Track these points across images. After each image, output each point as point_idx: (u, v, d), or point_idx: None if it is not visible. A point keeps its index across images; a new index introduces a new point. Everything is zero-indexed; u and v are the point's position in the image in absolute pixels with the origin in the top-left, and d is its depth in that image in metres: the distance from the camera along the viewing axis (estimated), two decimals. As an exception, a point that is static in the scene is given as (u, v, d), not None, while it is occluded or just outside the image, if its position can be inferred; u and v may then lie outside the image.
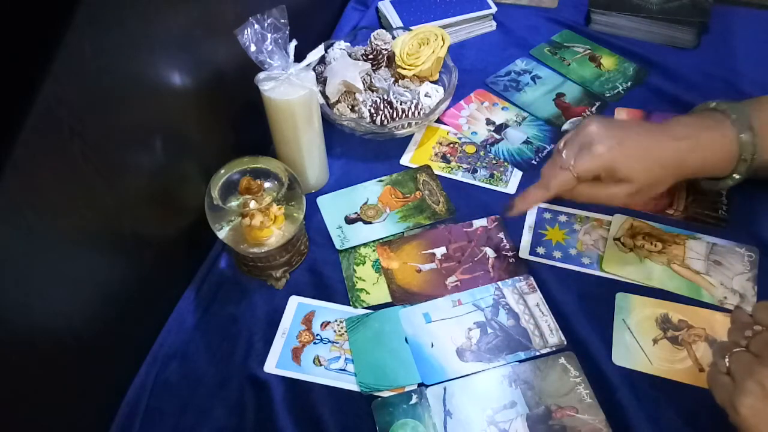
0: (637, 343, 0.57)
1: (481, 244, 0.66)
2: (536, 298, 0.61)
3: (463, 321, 0.60)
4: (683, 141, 0.57)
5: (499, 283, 0.63)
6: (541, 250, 0.66)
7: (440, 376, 0.56)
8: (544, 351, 0.57)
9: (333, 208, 0.71)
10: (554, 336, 0.58)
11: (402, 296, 0.63)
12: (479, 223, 0.68)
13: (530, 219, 0.69)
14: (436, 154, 0.77)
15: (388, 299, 0.62)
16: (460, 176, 0.74)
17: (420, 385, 0.56)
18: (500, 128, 0.80)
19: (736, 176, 0.60)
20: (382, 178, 0.74)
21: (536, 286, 0.62)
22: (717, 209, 0.67)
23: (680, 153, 0.57)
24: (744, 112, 0.58)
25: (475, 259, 0.65)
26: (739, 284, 0.61)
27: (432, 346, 0.58)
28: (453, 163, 0.76)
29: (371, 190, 0.73)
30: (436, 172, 0.74)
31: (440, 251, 0.66)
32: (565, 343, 0.58)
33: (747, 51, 0.87)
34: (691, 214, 0.67)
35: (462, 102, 0.83)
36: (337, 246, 0.67)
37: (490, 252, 0.66)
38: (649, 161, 0.57)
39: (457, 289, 0.63)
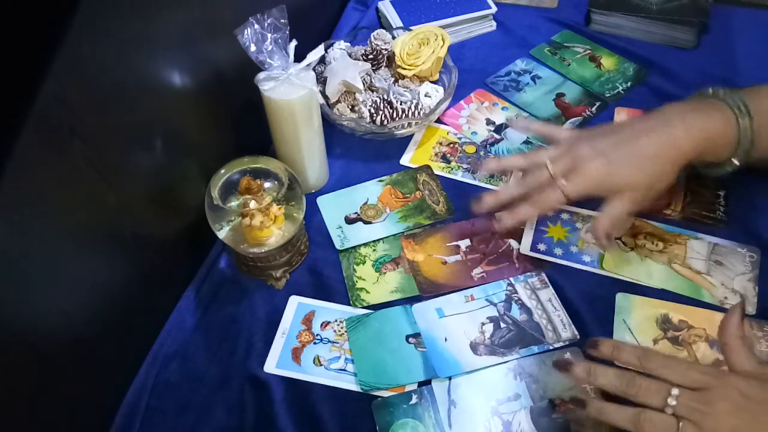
0: (638, 343, 0.57)
1: (504, 236, 0.66)
2: (548, 294, 0.61)
3: (475, 316, 0.60)
4: (669, 126, 0.58)
5: (511, 279, 0.63)
6: (542, 246, 0.66)
7: (454, 369, 0.56)
8: (557, 345, 0.57)
9: (333, 208, 0.71)
10: (567, 330, 0.58)
11: (429, 288, 0.63)
12: None
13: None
14: (436, 154, 0.77)
15: (388, 298, 0.62)
16: (460, 176, 0.74)
17: (420, 384, 0.56)
18: (500, 128, 0.80)
19: (735, 161, 0.60)
20: (382, 178, 0.74)
21: (548, 281, 0.62)
22: (715, 210, 0.67)
23: (670, 138, 0.57)
24: (741, 98, 0.58)
25: (500, 251, 0.65)
26: (740, 284, 0.61)
27: (446, 340, 0.58)
28: (453, 163, 0.76)
29: (371, 190, 0.73)
30: (436, 172, 0.74)
31: (464, 243, 0.66)
32: (578, 337, 0.58)
33: (747, 51, 0.87)
34: (688, 215, 0.67)
35: (462, 102, 0.83)
36: (337, 246, 0.67)
37: (514, 244, 0.66)
38: (638, 159, 0.57)
39: (483, 281, 0.63)
